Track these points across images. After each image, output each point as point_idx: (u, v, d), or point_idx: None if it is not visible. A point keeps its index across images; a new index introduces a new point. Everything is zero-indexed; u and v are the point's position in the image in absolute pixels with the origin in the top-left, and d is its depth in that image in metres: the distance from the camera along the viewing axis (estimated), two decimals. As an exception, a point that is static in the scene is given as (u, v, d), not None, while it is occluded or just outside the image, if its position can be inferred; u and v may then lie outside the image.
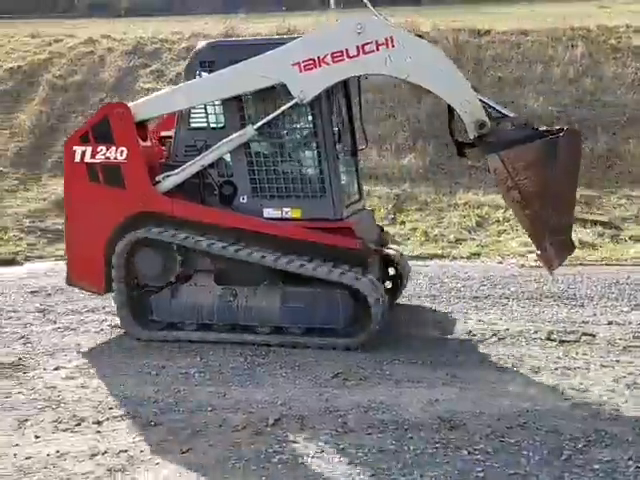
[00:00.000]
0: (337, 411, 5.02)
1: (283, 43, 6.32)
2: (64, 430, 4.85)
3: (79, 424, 4.94)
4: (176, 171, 6.58)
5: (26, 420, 5.01)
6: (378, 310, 6.02)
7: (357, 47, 5.93)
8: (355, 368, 5.81)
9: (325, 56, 5.99)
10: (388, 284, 7.21)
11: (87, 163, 6.66)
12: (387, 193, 11.81)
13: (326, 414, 4.99)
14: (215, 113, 6.67)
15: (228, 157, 6.59)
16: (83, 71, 18.26)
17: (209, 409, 5.14)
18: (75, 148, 6.71)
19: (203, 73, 6.56)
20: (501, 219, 10.77)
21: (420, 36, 6.50)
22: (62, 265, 10.77)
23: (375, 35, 5.91)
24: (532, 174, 5.62)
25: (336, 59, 5.98)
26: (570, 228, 6.29)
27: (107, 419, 5.01)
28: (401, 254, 7.50)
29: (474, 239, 10.31)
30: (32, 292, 8.75)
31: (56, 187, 14.02)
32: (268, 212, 6.49)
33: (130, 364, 6.09)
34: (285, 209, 6.48)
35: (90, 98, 17.43)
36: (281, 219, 6.48)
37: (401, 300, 7.55)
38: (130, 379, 5.75)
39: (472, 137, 6.00)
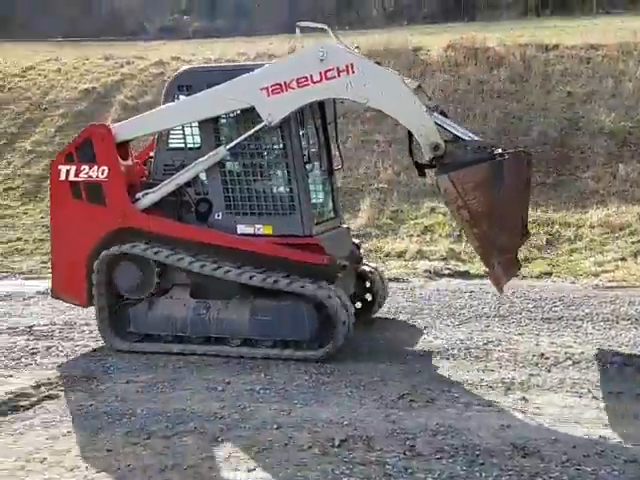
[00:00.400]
0: (404, 433, 4.92)
1: (254, 68, 6.69)
2: (134, 444, 4.90)
3: (149, 437, 4.99)
4: (154, 189, 6.89)
5: (98, 432, 5.09)
6: (343, 322, 6.25)
7: (320, 73, 6.27)
8: (422, 389, 5.71)
9: (291, 81, 6.33)
10: (368, 297, 7.54)
11: (71, 181, 7.01)
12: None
13: (393, 436, 4.89)
14: (192, 134, 6.96)
15: (204, 176, 6.89)
16: (153, 92, 18.71)
17: (274, 427, 5.11)
18: (60, 167, 7.07)
19: (181, 96, 6.88)
20: (573, 237, 10.49)
21: (378, 63, 6.70)
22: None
23: (336, 62, 6.25)
24: (480, 194, 5.80)
25: (301, 84, 6.32)
26: (517, 247, 6.48)
27: (175, 434, 5.04)
28: (375, 269, 7.66)
29: (544, 258, 10.05)
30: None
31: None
32: (241, 228, 6.78)
33: (196, 379, 6.14)
34: (257, 226, 6.76)
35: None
36: (254, 235, 6.76)
37: (465, 319, 7.43)
38: (196, 394, 5.79)
39: (427, 158, 6.25)
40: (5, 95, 19.56)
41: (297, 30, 6.97)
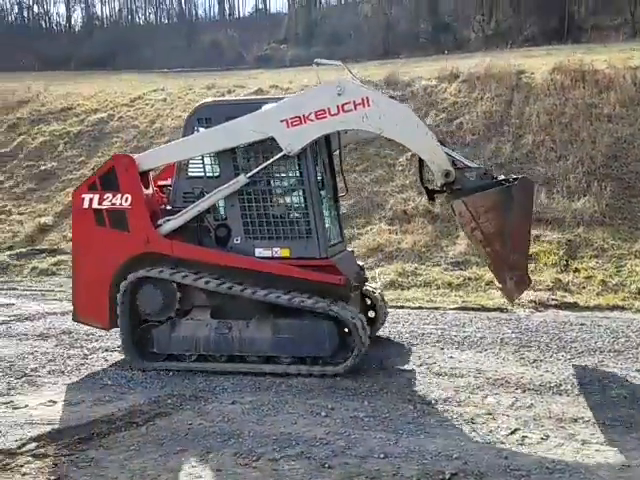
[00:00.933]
0: (518, 470, 4.74)
1: (269, 102, 7.19)
2: (244, 465, 4.94)
3: (257, 459, 5.02)
4: (175, 216, 7.19)
5: (208, 452, 5.16)
6: (362, 339, 6.69)
7: (337, 106, 6.73)
8: (534, 425, 5.50)
9: (310, 114, 6.79)
10: (371, 316, 8.00)
11: (94, 209, 7.28)
12: (557, 238, 11.30)
13: (507, 473, 4.72)
14: (211, 164, 7.32)
15: (222, 202, 7.23)
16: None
17: (381, 456, 5.03)
18: (84, 196, 7.34)
19: (200, 129, 7.27)
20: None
21: (392, 97, 7.38)
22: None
23: (353, 96, 6.73)
24: (492, 217, 6.46)
25: (319, 116, 6.78)
26: (526, 264, 7.04)
27: (282, 457, 5.05)
28: (375, 290, 8.17)
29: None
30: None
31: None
32: (259, 252, 7.12)
33: (299, 403, 6.15)
34: (275, 249, 7.10)
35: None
36: (271, 258, 7.08)
37: (576, 353, 7.13)
38: (301, 418, 5.79)
39: (439, 184, 6.79)
40: (115, 124, 20.53)
41: (314, 67, 7.38)
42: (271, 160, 6.99)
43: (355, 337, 6.71)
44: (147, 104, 21.68)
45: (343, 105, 6.72)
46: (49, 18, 59.32)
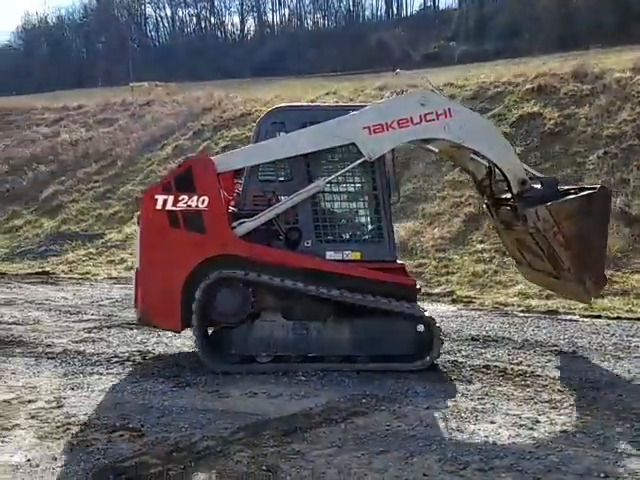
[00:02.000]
0: None
1: (343, 109, 7.58)
2: (451, 472, 4.80)
3: (464, 468, 4.85)
4: (252, 218, 7.19)
5: (412, 456, 5.07)
6: (438, 337, 7.09)
7: (420, 116, 7.03)
8: None
9: (392, 122, 7.05)
10: None
11: (168, 210, 7.14)
12: None
13: None
14: (283, 167, 7.44)
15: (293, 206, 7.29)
16: (425, 118, 18.93)
17: (601, 475, 4.69)
18: (157, 197, 7.20)
19: (277, 132, 7.40)
20: None
21: (472, 109, 7.53)
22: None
23: (435, 107, 7.06)
24: (573, 222, 6.95)
25: (402, 125, 7.05)
26: (603, 266, 7.52)
27: (491, 468, 4.84)
28: None
29: None
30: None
31: (399, 229, 14.64)
32: (330, 255, 7.25)
33: (501, 413, 5.91)
34: (346, 252, 7.27)
35: (431, 144, 18.01)
36: (342, 261, 7.22)
37: None
38: (505, 429, 5.54)
39: (515, 192, 7.27)
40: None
41: (396, 75, 7.61)
42: (351, 165, 7.20)
43: (433, 334, 7.06)
44: (320, 107, 22.09)
45: (426, 115, 7.02)
46: (224, 28, 62.42)
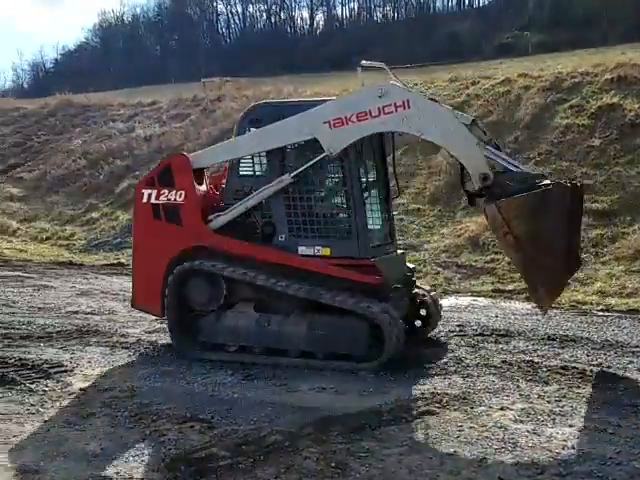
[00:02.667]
0: None
1: (317, 104, 7.27)
2: (528, 477, 4.64)
3: (542, 473, 4.69)
4: (225, 212, 7.42)
5: (485, 458, 4.93)
6: (392, 337, 6.77)
7: (378, 108, 6.78)
8: None
9: (352, 116, 6.88)
10: (418, 321, 8.07)
11: (152, 204, 7.62)
12: None
13: None
14: (260, 163, 7.57)
15: (269, 201, 7.41)
16: (499, 111, 18.54)
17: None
18: (143, 191, 7.70)
19: (252, 129, 7.48)
20: None
21: (433, 99, 7.01)
22: (482, 301, 11.01)
23: (394, 98, 6.76)
24: (523, 221, 6.25)
25: (361, 118, 6.85)
26: (560, 272, 6.58)
27: (570, 473, 4.66)
28: (428, 293, 8.13)
29: None
30: (458, 325, 8.99)
31: (469, 224, 14.36)
32: (302, 250, 7.27)
33: (580, 416, 5.69)
34: (317, 247, 7.23)
35: (505, 137, 17.61)
36: (313, 256, 7.20)
37: None
38: (584, 434, 5.33)
39: (477, 188, 6.68)
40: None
41: (359, 70, 7.32)
42: (314, 161, 7.12)
43: (385, 333, 6.77)
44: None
45: (384, 107, 6.77)
46: (294, 23, 62.72)
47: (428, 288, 8.47)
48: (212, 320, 7.44)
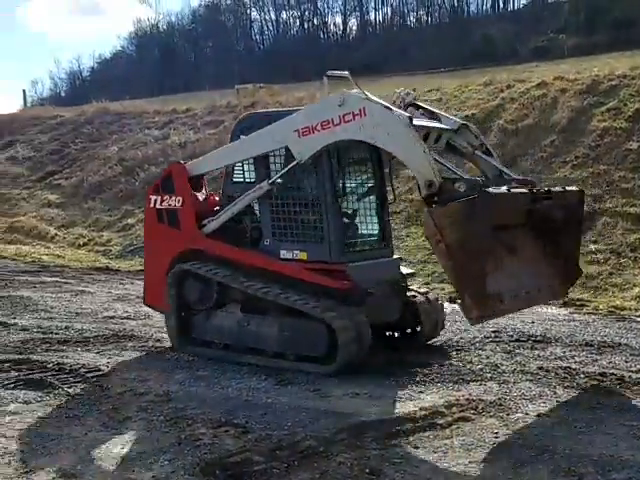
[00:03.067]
0: None
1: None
2: (568, 484, 4.58)
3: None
4: (215, 217, 7.81)
5: (521, 465, 4.87)
6: (345, 342, 6.84)
7: (339, 117, 6.92)
8: None
9: (317, 124, 7.05)
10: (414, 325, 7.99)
11: (157, 208, 8.19)
12: None
13: None
14: (249, 170, 7.87)
15: (257, 206, 7.78)
16: (534, 115, 18.35)
17: None
18: (151, 196, 8.31)
19: (242, 137, 7.77)
20: None
21: (388, 107, 6.88)
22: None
23: (352, 107, 6.87)
24: (455, 230, 6.11)
25: (325, 127, 7.01)
26: (484, 282, 6.17)
27: (608, 483, 4.58)
28: (427, 299, 7.97)
29: None
30: (494, 331, 8.91)
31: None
32: (283, 253, 7.51)
33: (618, 424, 5.57)
34: (295, 251, 7.45)
35: (540, 141, 17.42)
36: (292, 260, 7.44)
37: None
38: (622, 441, 5.23)
39: (423, 195, 6.55)
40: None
41: (324, 79, 7.57)
42: (287, 168, 7.37)
43: (337, 336, 6.85)
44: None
45: (344, 115, 6.91)
46: (327, 28, 62.85)
47: (431, 295, 8.27)
48: (203, 318, 7.87)
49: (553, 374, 6.98)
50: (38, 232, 20.85)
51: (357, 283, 7.16)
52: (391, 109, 6.85)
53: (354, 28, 62.22)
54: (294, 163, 7.30)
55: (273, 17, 65.79)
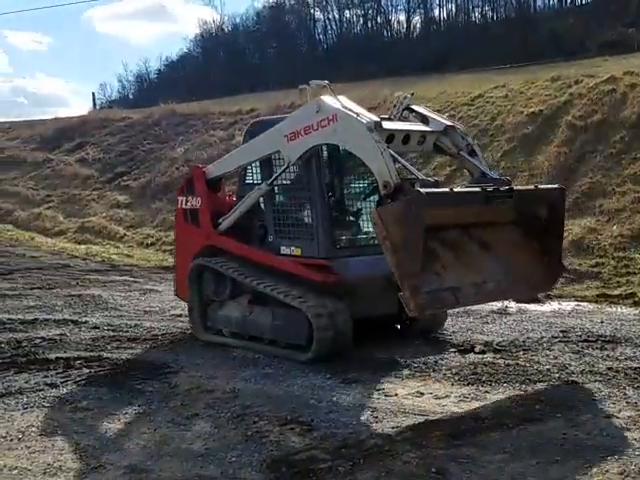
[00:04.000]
0: None
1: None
2: (636, 487, 4.46)
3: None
4: (227, 216, 8.49)
5: (590, 466, 4.75)
6: (320, 331, 7.29)
7: (317, 122, 7.37)
8: None
9: (301, 130, 7.53)
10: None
11: (183, 208, 9.02)
12: None
13: None
14: (256, 172, 8.54)
15: (263, 206, 8.34)
16: (604, 110, 17.87)
17: None
18: (178, 197, 9.18)
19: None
20: None
21: (357, 113, 7.14)
22: (586, 306, 10.63)
23: (326, 113, 7.30)
24: (397, 228, 6.34)
25: (307, 132, 7.48)
26: (415, 276, 6.36)
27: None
28: None
29: None
30: (562, 331, 8.75)
31: (572, 227, 13.87)
32: (283, 249, 8.02)
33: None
34: (292, 248, 7.95)
35: (610, 137, 16.95)
36: (290, 255, 7.93)
37: None
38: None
39: (382, 194, 6.77)
40: (456, 123, 20.70)
41: (306, 87, 8.00)
42: (280, 170, 7.88)
43: (313, 326, 7.29)
44: (488, 102, 21.50)
45: (321, 121, 7.32)
46: (390, 26, 62.49)
47: None
48: (216, 308, 8.56)
49: (623, 374, 6.81)
50: (108, 232, 21.51)
51: (344, 278, 7.60)
52: (357, 114, 7.17)
53: (418, 25, 61.65)
54: (285, 166, 7.85)
55: (336, 16, 65.81)
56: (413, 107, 8.22)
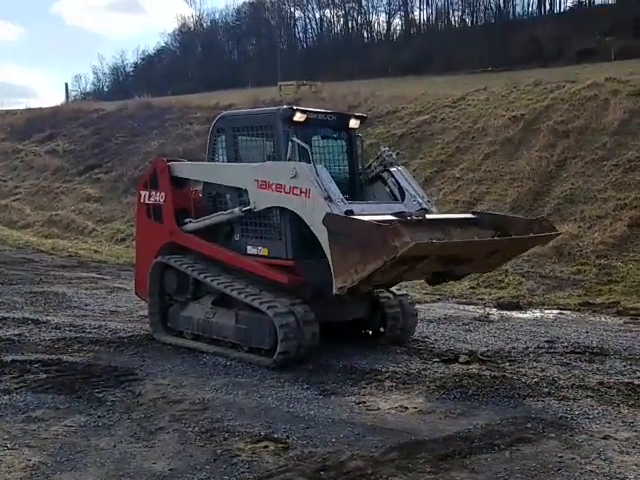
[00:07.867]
0: None
1: (269, 112, 8.01)
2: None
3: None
4: (195, 221, 8.30)
5: (592, 498, 4.39)
6: (285, 336, 7.05)
7: (290, 187, 7.26)
8: None
9: (272, 184, 7.42)
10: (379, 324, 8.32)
11: (145, 203, 8.65)
12: None
13: None
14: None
15: (230, 204, 8.07)
16: (585, 116, 17.74)
17: None
18: (141, 192, 8.78)
19: (218, 137, 8.29)
20: None
21: (328, 198, 7.01)
22: (569, 315, 10.34)
23: (302, 183, 7.16)
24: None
25: (277, 189, 7.38)
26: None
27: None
28: (400, 301, 8.27)
29: None
30: (547, 341, 8.43)
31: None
32: (249, 249, 7.90)
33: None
34: (259, 248, 7.82)
35: (591, 143, 16.80)
36: (257, 255, 7.81)
37: None
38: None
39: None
40: (437, 126, 20.46)
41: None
42: (245, 208, 7.66)
43: (278, 331, 7.05)
44: (469, 104, 21.31)
45: (293, 188, 7.20)
46: (370, 27, 62.32)
47: (407, 299, 8.45)
48: (177, 309, 8.29)
49: (615, 390, 6.49)
50: (76, 226, 20.86)
51: (310, 280, 7.39)
52: (331, 199, 7.01)
53: (398, 27, 61.54)
54: (247, 208, 7.67)
55: (317, 15, 65.44)
56: (393, 172, 7.93)
